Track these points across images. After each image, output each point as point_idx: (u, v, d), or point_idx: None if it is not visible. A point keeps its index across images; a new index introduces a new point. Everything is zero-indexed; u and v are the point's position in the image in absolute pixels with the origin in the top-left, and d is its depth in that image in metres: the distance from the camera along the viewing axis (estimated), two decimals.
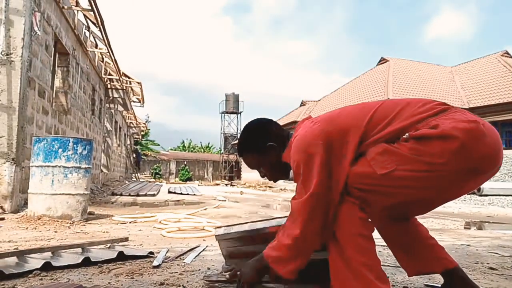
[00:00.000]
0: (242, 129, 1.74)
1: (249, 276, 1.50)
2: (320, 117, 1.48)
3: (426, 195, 1.34)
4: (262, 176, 1.70)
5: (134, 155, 26.67)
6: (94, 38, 10.00)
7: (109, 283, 1.75)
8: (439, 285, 1.86)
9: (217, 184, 22.89)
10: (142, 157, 33.58)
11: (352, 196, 1.34)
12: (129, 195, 9.28)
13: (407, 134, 1.29)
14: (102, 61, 11.85)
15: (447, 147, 1.21)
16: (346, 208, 1.33)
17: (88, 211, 4.43)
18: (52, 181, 4.01)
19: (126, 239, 2.76)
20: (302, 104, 25.53)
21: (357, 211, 1.32)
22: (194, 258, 2.34)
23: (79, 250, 2.33)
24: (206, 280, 1.78)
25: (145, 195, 9.42)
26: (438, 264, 1.55)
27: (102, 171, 12.30)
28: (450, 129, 1.23)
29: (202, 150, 45.03)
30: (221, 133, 34.07)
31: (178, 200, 8.24)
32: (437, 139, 1.22)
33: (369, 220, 1.36)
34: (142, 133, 29.97)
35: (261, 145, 1.59)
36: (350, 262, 1.30)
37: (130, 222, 4.13)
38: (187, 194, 10.55)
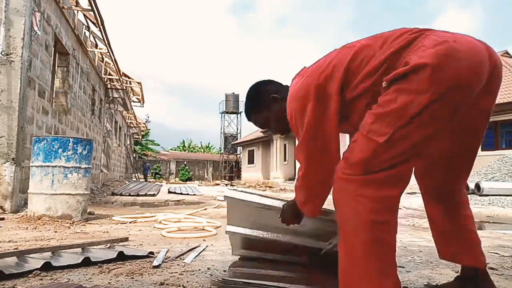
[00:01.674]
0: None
1: (287, 215, 1.76)
2: (310, 67, 1.52)
3: (439, 138, 1.31)
4: (274, 133, 1.77)
5: (136, 160, 26.65)
6: (94, 38, 10.01)
7: (109, 283, 1.75)
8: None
9: (217, 184, 22.88)
10: (142, 157, 33.59)
11: (369, 189, 1.23)
12: (129, 195, 9.28)
13: (384, 82, 1.26)
14: (102, 61, 11.86)
15: (422, 78, 1.18)
16: (360, 211, 1.23)
17: (88, 211, 4.43)
18: (52, 181, 4.01)
19: (126, 239, 2.76)
20: None
21: (373, 213, 1.21)
22: (194, 258, 2.33)
23: (79, 250, 2.33)
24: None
25: (145, 195, 9.42)
26: (471, 260, 1.56)
27: (102, 171, 12.30)
28: (418, 58, 1.21)
29: (202, 150, 45.07)
30: (221, 133, 34.07)
31: (178, 200, 8.25)
32: (411, 73, 1.20)
33: (389, 222, 1.25)
34: (142, 133, 29.97)
35: (265, 100, 1.66)
36: (366, 271, 1.21)
37: (130, 222, 4.12)
38: (187, 194, 10.55)
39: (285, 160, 22.23)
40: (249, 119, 1.77)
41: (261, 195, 2.01)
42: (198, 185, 18.50)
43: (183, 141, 46.79)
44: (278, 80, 1.75)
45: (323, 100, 1.37)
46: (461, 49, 1.22)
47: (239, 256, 2.15)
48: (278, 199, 1.95)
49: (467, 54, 1.23)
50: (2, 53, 4.86)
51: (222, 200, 8.27)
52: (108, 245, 2.51)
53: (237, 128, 33.77)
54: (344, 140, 5.78)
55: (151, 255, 2.34)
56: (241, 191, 2.05)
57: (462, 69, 1.20)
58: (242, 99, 34.26)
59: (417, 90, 1.19)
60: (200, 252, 2.51)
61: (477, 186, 9.32)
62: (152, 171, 32.93)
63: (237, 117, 33.78)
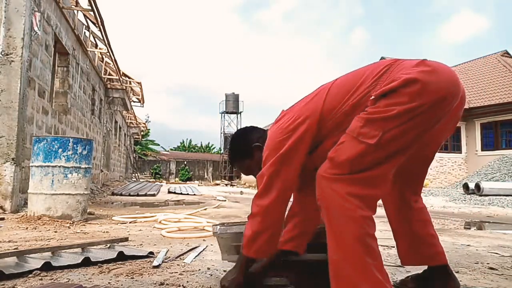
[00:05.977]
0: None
1: (234, 280, 1.60)
2: (287, 111, 1.61)
3: (421, 141, 1.39)
4: None
5: (136, 160, 26.39)
6: (94, 38, 10.01)
7: (109, 283, 1.75)
8: None
9: (217, 184, 22.89)
10: (142, 157, 33.56)
11: (355, 187, 1.28)
12: (129, 195, 9.28)
13: (372, 96, 1.35)
14: (102, 61, 11.86)
15: (412, 91, 1.29)
16: (348, 208, 1.27)
17: (88, 211, 4.43)
18: (52, 181, 4.01)
19: (126, 239, 2.76)
20: None
21: (361, 210, 1.27)
22: (194, 258, 2.34)
23: (79, 250, 2.33)
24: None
25: (145, 195, 9.42)
26: (432, 261, 1.65)
27: (102, 171, 12.30)
28: (407, 75, 1.32)
29: (202, 150, 45.05)
30: (221, 133, 34.06)
31: (178, 200, 8.25)
32: (401, 88, 1.30)
33: (372, 218, 1.31)
34: (142, 133, 29.96)
35: (247, 149, 1.72)
36: (361, 265, 1.24)
37: (130, 222, 4.12)
38: (187, 194, 10.55)
39: None
40: (233, 166, 1.85)
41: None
42: (198, 185, 18.50)
43: (183, 141, 46.81)
44: (260, 127, 1.82)
45: (302, 134, 1.47)
46: (439, 67, 1.37)
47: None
48: None
49: (445, 72, 1.37)
50: (2, 53, 4.86)
51: (222, 200, 8.27)
52: (108, 245, 2.51)
53: (237, 128, 33.73)
54: None
55: (151, 255, 2.34)
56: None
57: (445, 83, 1.34)
58: (242, 99, 33.84)
59: (407, 101, 1.29)
60: (200, 252, 2.51)
61: (477, 186, 9.32)
62: (151, 170, 32.92)
63: (237, 117, 33.79)
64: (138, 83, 14.93)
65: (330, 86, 1.52)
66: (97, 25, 8.42)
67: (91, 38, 9.89)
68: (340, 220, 1.28)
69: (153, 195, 9.62)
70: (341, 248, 1.28)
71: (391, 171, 1.37)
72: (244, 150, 1.73)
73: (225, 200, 8.37)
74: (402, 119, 1.29)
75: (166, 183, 21.95)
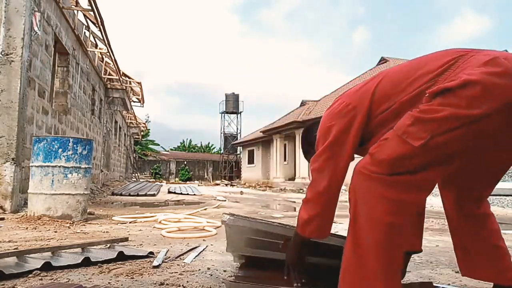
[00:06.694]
0: None
1: (290, 256, 1.63)
2: (341, 96, 1.56)
3: (478, 150, 1.27)
4: None
5: (136, 160, 26.40)
6: (94, 38, 10.01)
7: (109, 283, 1.75)
8: (440, 285, 1.86)
9: (217, 184, 22.88)
10: (142, 157, 33.57)
11: (391, 190, 1.19)
12: (129, 195, 9.28)
13: (427, 93, 1.21)
14: (102, 61, 11.86)
15: (471, 94, 1.13)
16: (377, 211, 1.20)
17: (88, 211, 4.43)
18: (52, 181, 4.01)
19: (126, 239, 2.76)
20: (302, 104, 25.55)
21: (391, 215, 1.19)
22: (194, 258, 2.34)
23: (79, 250, 2.33)
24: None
25: (145, 195, 9.42)
26: (500, 279, 1.46)
27: (102, 171, 12.31)
28: (468, 75, 1.16)
29: (202, 150, 45.08)
30: (221, 133, 34.09)
31: (178, 200, 8.24)
32: (458, 89, 1.15)
33: (402, 226, 1.22)
34: (142, 133, 29.97)
35: (310, 141, 1.72)
36: (372, 272, 1.20)
37: (130, 222, 4.12)
38: (187, 194, 10.54)
39: (285, 160, 22.23)
40: (308, 162, 1.86)
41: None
42: (198, 185, 18.49)
43: (183, 141, 46.85)
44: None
45: (349, 121, 1.41)
46: (511, 64, 1.17)
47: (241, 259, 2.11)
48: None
49: None
50: (2, 53, 4.86)
51: (222, 200, 8.27)
52: (108, 245, 2.51)
53: (237, 128, 33.80)
54: None
55: (151, 255, 2.34)
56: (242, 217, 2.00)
57: None
58: (242, 99, 33.88)
59: (463, 105, 1.14)
60: (200, 252, 2.51)
61: None
62: (151, 170, 32.94)
63: (237, 117, 33.81)
64: (138, 83, 14.94)
65: (384, 74, 1.42)
66: (97, 25, 8.42)
67: (91, 38, 9.89)
68: (366, 221, 1.22)
69: (153, 195, 9.62)
70: (358, 248, 1.23)
71: (436, 180, 1.25)
72: (308, 143, 1.76)
73: (225, 200, 8.37)
74: (455, 123, 1.14)
75: (166, 183, 21.93)
